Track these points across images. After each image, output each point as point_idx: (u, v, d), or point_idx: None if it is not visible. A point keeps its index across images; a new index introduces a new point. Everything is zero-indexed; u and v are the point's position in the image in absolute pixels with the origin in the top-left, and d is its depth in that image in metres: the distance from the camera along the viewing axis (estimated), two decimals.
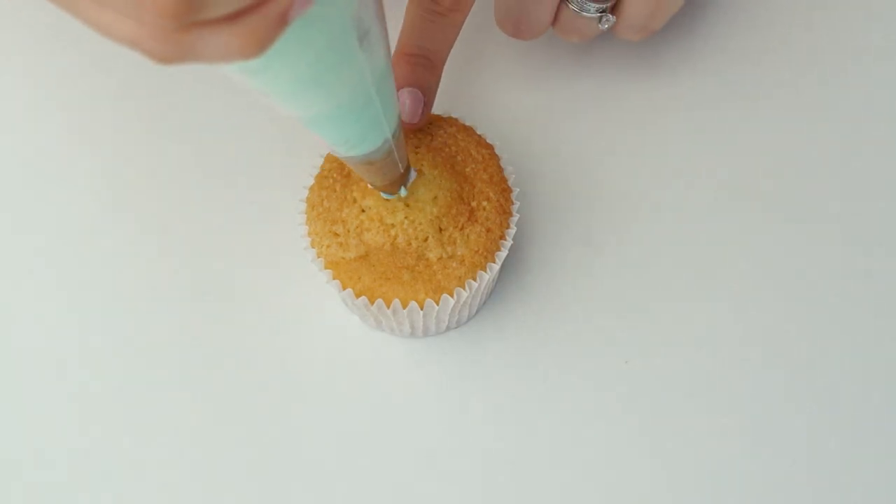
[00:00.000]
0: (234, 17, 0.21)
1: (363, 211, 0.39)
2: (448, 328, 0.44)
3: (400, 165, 0.35)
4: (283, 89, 0.25)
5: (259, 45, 0.21)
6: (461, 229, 0.39)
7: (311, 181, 0.41)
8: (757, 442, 0.43)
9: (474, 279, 0.39)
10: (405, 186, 0.37)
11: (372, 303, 0.39)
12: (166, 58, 0.21)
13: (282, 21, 0.21)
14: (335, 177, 0.40)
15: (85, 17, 0.21)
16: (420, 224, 0.38)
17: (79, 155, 0.48)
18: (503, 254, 0.40)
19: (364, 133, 0.30)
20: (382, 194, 0.37)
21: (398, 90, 0.38)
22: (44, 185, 0.48)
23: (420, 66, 0.39)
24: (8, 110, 0.49)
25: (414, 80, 0.39)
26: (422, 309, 0.39)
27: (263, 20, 0.21)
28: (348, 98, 0.28)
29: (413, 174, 0.38)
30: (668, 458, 0.43)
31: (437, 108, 0.49)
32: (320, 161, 0.42)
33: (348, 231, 0.39)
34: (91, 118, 0.49)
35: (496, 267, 0.40)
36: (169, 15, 0.19)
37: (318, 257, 0.40)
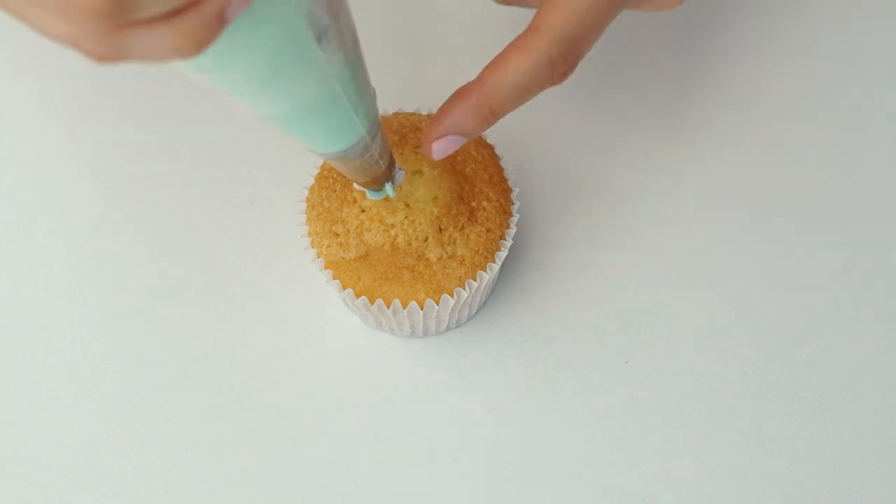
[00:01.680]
0: (169, 16, 0.21)
1: (363, 211, 0.39)
2: (448, 328, 0.44)
3: (381, 163, 0.35)
4: (240, 88, 0.25)
5: (196, 44, 0.21)
6: (461, 229, 0.39)
7: (311, 181, 0.41)
8: (757, 442, 0.43)
9: (474, 279, 0.39)
10: (392, 185, 0.37)
11: (372, 303, 0.39)
12: (103, 57, 0.21)
13: (219, 20, 0.21)
14: (335, 177, 0.40)
15: (20, 16, 0.21)
16: (420, 224, 0.38)
17: (78, 155, 0.48)
18: (503, 254, 0.40)
19: (335, 131, 0.30)
20: (369, 194, 0.37)
21: (449, 134, 0.34)
22: (43, 185, 0.48)
23: (489, 123, 0.34)
24: (8, 110, 0.49)
25: (472, 131, 0.34)
26: (422, 309, 0.39)
27: (199, 19, 0.21)
28: (313, 96, 0.27)
29: (401, 173, 0.37)
30: (668, 458, 0.43)
31: (437, 108, 0.49)
32: (320, 161, 0.42)
33: (348, 231, 0.39)
34: (91, 118, 0.49)
35: (496, 267, 0.40)
36: (98, 15, 0.19)
37: (318, 257, 0.40)
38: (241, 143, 0.48)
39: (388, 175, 0.36)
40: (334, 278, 0.40)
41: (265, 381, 0.44)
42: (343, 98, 0.29)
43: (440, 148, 0.34)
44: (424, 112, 0.48)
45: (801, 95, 0.49)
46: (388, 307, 0.39)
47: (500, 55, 0.33)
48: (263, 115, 0.28)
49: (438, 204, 0.38)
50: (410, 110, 0.49)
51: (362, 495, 0.42)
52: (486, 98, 0.33)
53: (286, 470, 0.42)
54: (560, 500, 0.42)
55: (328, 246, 0.39)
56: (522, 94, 0.33)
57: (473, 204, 0.39)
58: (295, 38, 0.24)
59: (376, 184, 0.36)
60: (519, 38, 0.33)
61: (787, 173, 0.48)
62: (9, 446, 0.43)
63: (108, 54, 0.21)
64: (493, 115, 0.33)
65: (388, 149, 0.35)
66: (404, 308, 0.39)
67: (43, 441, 0.43)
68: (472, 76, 0.50)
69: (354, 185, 0.37)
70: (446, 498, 0.42)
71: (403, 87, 0.49)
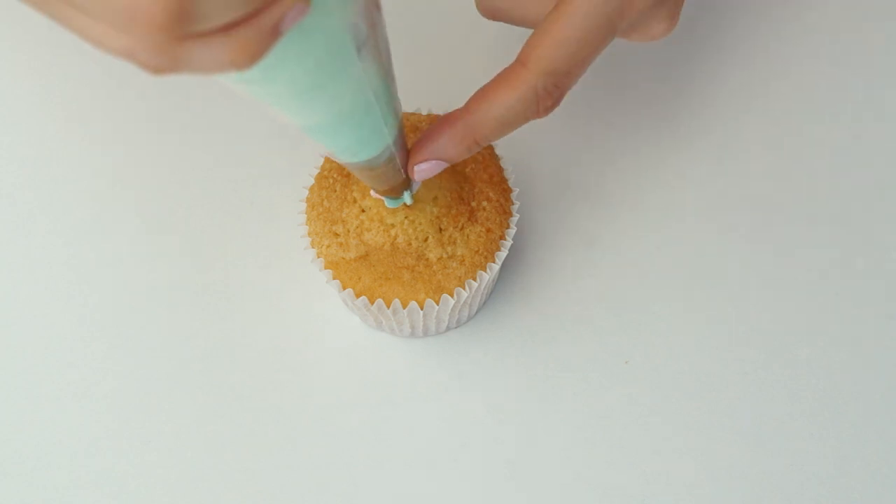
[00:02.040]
0: (227, 28, 0.21)
1: (363, 211, 0.39)
2: (448, 328, 0.44)
3: (402, 171, 0.35)
4: (283, 99, 0.25)
5: (251, 56, 0.22)
6: (461, 229, 0.39)
7: (311, 181, 0.41)
8: (757, 442, 0.43)
9: (474, 279, 0.39)
10: (410, 193, 0.37)
11: (372, 303, 0.39)
12: (160, 69, 0.21)
13: (274, 33, 0.22)
14: (335, 177, 0.40)
15: (77, 30, 0.22)
16: (420, 224, 0.38)
17: (78, 154, 0.48)
18: (503, 254, 0.40)
19: (364, 140, 0.30)
20: (386, 201, 0.37)
21: (432, 159, 0.35)
22: (43, 185, 0.48)
23: (471, 152, 0.35)
24: (8, 110, 0.49)
25: (454, 158, 0.35)
26: (422, 309, 0.39)
27: (256, 32, 0.21)
28: (349, 106, 0.28)
29: (417, 182, 0.38)
30: (668, 458, 0.43)
31: (437, 108, 0.49)
32: (320, 161, 0.42)
33: (348, 231, 0.39)
34: (91, 118, 0.49)
35: (496, 267, 0.40)
36: (161, 29, 0.19)
37: (318, 257, 0.40)
38: (242, 143, 0.48)
39: (407, 184, 0.36)
40: (334, 278, 0.40)
41: (265, 381, 0.44)
42: (375, 108, 0.29)
43: (423, 170, 0.35)
44: (424, 112, 0.48)
45: (801, 97, 0.49)
46: (388, 307, 0.39)
47: (488, 85, 0.34)
48: (298, 125, 0.28)
49: (438, 204, 0.38)
50: (410, 110, 0.49)
51: (362, 495, 0.42)
52: (472, 128, 0.34)
53: (286, 470, 0.42)
54: (560, 500, 0.42)
55: (328, 246, 0.39)
56: (507, 126, 0.34)
57: (473, 204, 0.39)
58: (339, 50, 0.25)
59: (395, 192, 0.36)
60: (507, 71, 0.33)
61: (786, 174, 0.48)
62: (9, 446, 0.43)
63: (165, 66, 0.21)
64: (476, 145, 0.34)
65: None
66: (404, 308, 0.39)
67: (43, 441, 0.43)
68: (472, 76, 0.50)
69: (371, 192, 0.38)
70: (446, 498, 0.42)
71: (403, 87, 0.49)
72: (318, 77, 0.25)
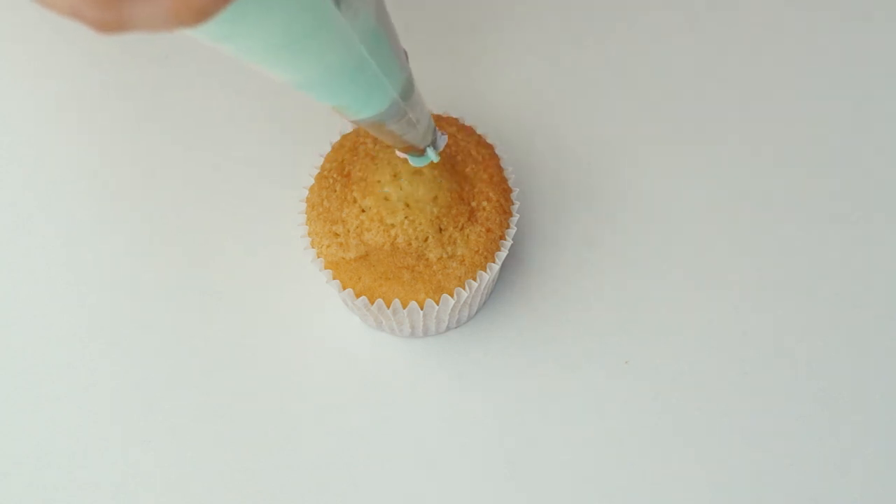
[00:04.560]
0: None
1: (363, 211, 0.39)
2: (448, 328, 0.44)
3: (418, 127, 0.34)
4: (260, 56, 0.24)
5: (198, 12, 0.21)
6: (461, 229, 0.39)
7: (311, 181, 0.41)
8: (757, 442, 0.43)
9: (474, 279, 0.39)
10: (435, 150, 0.36)
11: (372, 303, 0.39)
12: (105, 26, 0.21)
13: None
14: (335, 177, 0.40)
15: None
16: (420, 224, 0.38)
17: (78, 155, 0.48)
18: (503, 254, 0.40)
19: (364, 96, 0.29)
20: (411, 160, 0.36)
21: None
22: (43, 185, 0.48)
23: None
24: (8, 110, 0.49)
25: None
26: (422, 309, 0.39)
27: None
28: (337, 62, 0.27)
29: (443, 137, 0.36)
30: (668, 458, 0.43)
31: (438, 109, 0.49)
32: (320, 161, 0.42)
33: (348, 231, 0.39)
34: (91, 118, 0.49)
35: (496, 267, 0.40)
36: None
37: (318, 257, 0.40)
38: (242, 142, 0.48)
39: (431, 139, 0.35)
40: (334, 278, 0.40)
41: (265, 381, 0.44)
42: (370, 62, 0.28)
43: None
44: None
45: (802, 95, 0.49)
46: (388, 307, 0.39)
47: None
48: (289, 82, 0.27)
49: (438, 204, 0.38)
50: None
51: (362, 495, 0.42)
52: None
53: (286, 470, 0.42)
54: (560, 500, 0.42)
55: (328, 246, 0.39)
56: None
57: (473, 204, 0.39)
58: (312, 3, 0.24)
59: (417, 150, 0.35)
60: None
61: (787, 174, 0.48)
62: (9, 446, 0.43)
63: (111, 24, 0.21)
64: None
65: (427, 111, 0.34)
66: (404, 308, 0.39)
67: (43, 441, 0.43)
68: (472, 75, 0.50)
69: (396, 151, 0.37)
70: (446, 498, 0.42)
71: None
72: (293, 32, 0.24)
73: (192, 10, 0.21)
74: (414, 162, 0.37)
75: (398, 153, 0.37)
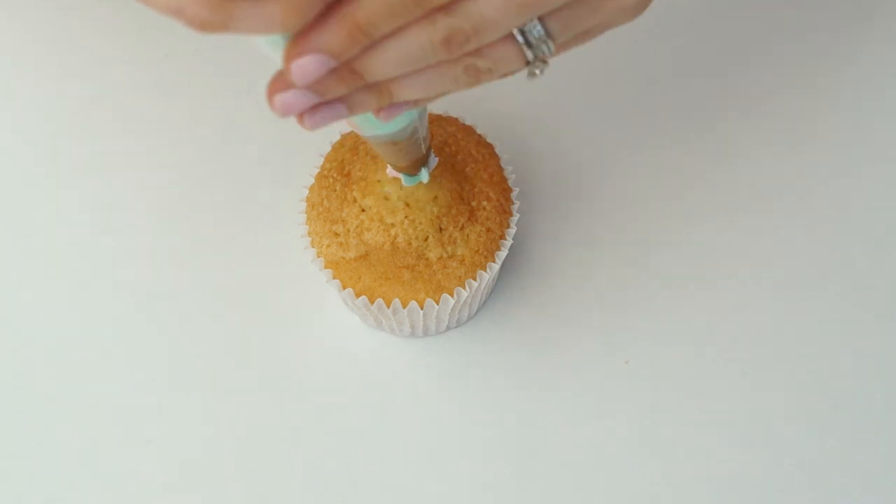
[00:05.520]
0: None
1: (363, 211, 0.39)
2: (448, 328, 0.44)
3: (422, 146, 0.34)
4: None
5: (300, 16, 0.21)
6: (461, 229, 0.39)
7: (311, 181, 0.41)
8: (757, 442, 0.43)
9: (474, 279, 0.39)
10: (427, 170, 0.36)
11: (372, 302, 0.39)
12: (208, 26, 0.21)
13: None
14: (335, 177, 0.40)
15: None
16: (420, 224, 0.38)
17: (78, 154, 0.48)
18: (503, 254, 0.40)
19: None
20: (404, 179, 0.37)
21: (307, 53, 0.24)
22: (43, 184, 0.48)
23: (355, 41, 0.25)
24: (8, 110, 0.49)
25: (338, 49, 0.24)
26: (422, 309, 0.39)
27: None
28: None
29: (434, 159, 0.37)
30: (668, 458, 0.43)
31: (438, 108, 0.49)
32: (320, 160, 0.42)
33: (348, 231, 0.39)
34: (91, 118, 0.49)
35: (496, 267, 0.40)
36: None
37: (318, 257, 0.40)
38: (242, 143, 0.48)
39: (427, 159, 0.36)
40: (334, 278, 0.40)
41: (265, 381, 0.44)
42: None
43: (302, 67, 0.24)
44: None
45: (802, 96, 0.49)
46: (388, 307, 0.39)
47: None
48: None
49: (438, 204, 0.38)
50: None
51: (362, 495, 0.42)
52: (352, 9, 0.24)
53: (286, 470, 0.42)
54: (560, 500, 0.42)
55: (328, 246, 0.39)
56: (395, 8, 0.25)
57: (473, 204, 0.39)
58: None
59: (414, 168, 0.36)
60: None
61: (787, 174, 0.48)
62: (9, 445, 0.43)
63: (216, 24, 0.21)
64: (360, 32, 0.24)
65: (429, 132, 0.35)
66: (404, 308, 0.39)
67: (43, 441, 0.43)
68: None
69: (388, 170, 0.37)
70: (446, 498, 0.42)
71: None
72: None
73: (298, 15, 0.22)
74: (406, 182, 0.37)
75: (389, 172, 0.37)
